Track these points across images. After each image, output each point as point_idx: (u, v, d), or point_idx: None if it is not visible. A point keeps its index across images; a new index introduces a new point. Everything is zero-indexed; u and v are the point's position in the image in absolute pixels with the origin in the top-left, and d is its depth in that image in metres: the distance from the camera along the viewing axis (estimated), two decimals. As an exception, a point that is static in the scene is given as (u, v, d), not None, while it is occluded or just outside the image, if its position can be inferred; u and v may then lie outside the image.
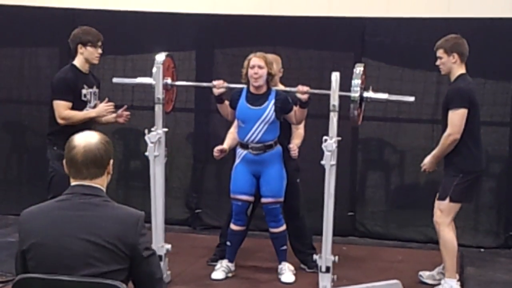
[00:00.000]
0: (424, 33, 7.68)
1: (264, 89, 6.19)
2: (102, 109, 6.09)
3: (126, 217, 3.12)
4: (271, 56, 6.43)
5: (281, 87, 6.43)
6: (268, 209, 6.24)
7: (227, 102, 6.28)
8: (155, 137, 5.98)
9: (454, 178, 5.87)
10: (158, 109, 6.06)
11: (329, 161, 5.72)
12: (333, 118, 5.76)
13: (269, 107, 6.14)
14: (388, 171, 8.01)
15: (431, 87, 7.58)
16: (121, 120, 6.29)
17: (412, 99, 5.95)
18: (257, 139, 6.17)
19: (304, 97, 5.98)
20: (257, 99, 6.18)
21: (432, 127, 7.42)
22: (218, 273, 6.34)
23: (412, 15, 7.68)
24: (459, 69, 5.93)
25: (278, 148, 6.25)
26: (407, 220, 7.69)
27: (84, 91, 6.01)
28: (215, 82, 6.22)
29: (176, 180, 8.14)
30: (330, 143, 5.71)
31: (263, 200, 6.26)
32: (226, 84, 6.22)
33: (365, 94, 5.87)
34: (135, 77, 8.17)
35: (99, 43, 6.06)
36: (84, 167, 3.14)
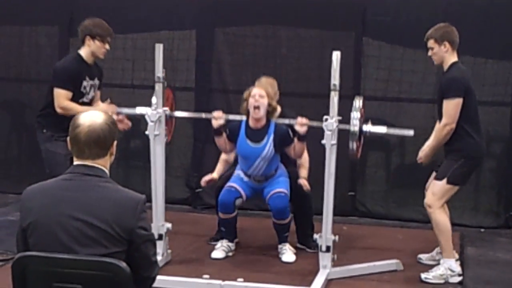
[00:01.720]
0: (425, 12, 7.65)
1: (263, 122, 6.18)
2: (104, 109, 5.98)
3: (125, 200, 3.10)
4: (266, 80, 6.41)
5: (278, 109, 6.38)
6: (274, 198, 6.20)
7: (225, 135, 6.27)
8: (155, 116, 5.97)
9: (455, 162, 5.86)
10: (158, 88, 6.02)
11: (329, 140, 5.70)
12: (334, 97, 5.73)
13: (268, 143, 6.18)
14: (388, 151, 8.00)
15: (432, 66, 7.50)
16: (120, 125, 6.04)
17: (411, 133, 5.92)
18: (259, 173, 6.27)
19: (303, 129, 5.96)
20: (256, 134, 6.20)
21: (433, 106, 7.36)
22: (218, 252, 6.35)
23: (413, -6, 7.66)
24: (452, 58, 5.91)
25: (281, 169, 6.36)
26: (407, 200, 7.69)
27: (84, 83, 5.94)
28: (214, 113, 6.17)
29: (176, 160, 8.13)
30: (331, 123, 5.69)
31: (268, 194, 6.25)
32: (225, 116, 6.17)
33: (364, 128, 5.83)
34: (135, 55, 8.19)
35: (108, 39, 5.97)
36: (86, 147, 3.11)
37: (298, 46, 7.92)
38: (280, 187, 6.25)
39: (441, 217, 5.92)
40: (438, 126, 5.97)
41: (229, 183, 6.32)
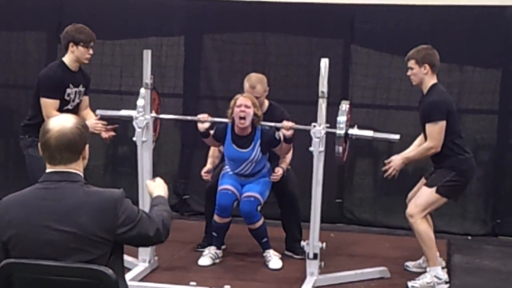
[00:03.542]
0: (413, 20, 7.69)
1: (249, 130, 6.20)
2: (92, 125, 5.90)
3: (103, 202, 3.07)
4: (256, 76, 6.45)
5: (266, 103, 6.48)
6: (243, 202, 6.23)
7: (211, 134, 6.29)
8: (142, 123, 5.96)
9: (448, 174, 5.87)
10: (146, 94, 6.01)
11: (317, 147, 5.71)
12: (322, 104, 5.74)
13: (255, 148, 6.21)
14: (376, 158, 8.00)
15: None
16: (105, 134, 6.07)
17: (397, 137, 5.92)
18: (247, 173, 6.30)
19: (289, 133, 6.00)
20: (243, 141, 6.22)
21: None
22: (205, 259, 6.33)
23: (401, 2, 7.67)
24: (431, 80, 5.92)
25: (267, 167, 6.38)
26: (395, 207, 7.68)
27: (68, 90, 5.91)
28: (200, 116, 6.20)
29: (163, 166, 8.11)
30: (319, 130, 5.70)
31: (242, 195, 6.28)
32: (210, 118, 6.19)
33: (350, 131, 5.81)
34: (123, 61, 8.18)
35: (91, 44, 5.94)
36: (57, 152, 3.08)
37: (287, 53, 7.93)
38: (253, 191, 6.25)
39: (422, 227, 5.91)
40: (423, 142, 5.99)
41: (224, 185, 6.30)
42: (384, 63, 7.73)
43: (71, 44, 5.90)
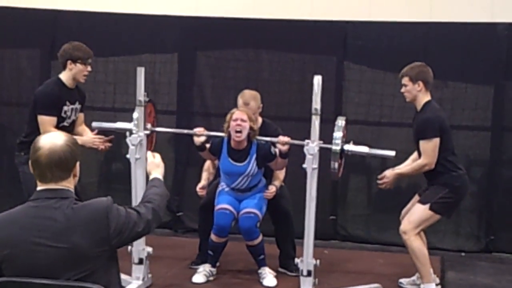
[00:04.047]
0: (406, 37, 7.71)
1: (244, 144, 6.21)
2: (90, 140, 5.95)
3: (93, 214, 3.07)
4: (250, 93, 6.47)
5: (259, 120, 6.51)
6: (242, 218, 6.23)
7: (207, 148, 6.31)
8: (136, 140, 5.96)
9: (441, 191, 5.87)
10: (140, 111, 6.02)
11: (311, 164, 5.71)
12: (315, 121, 5.75)
13: (251, 162, 6.22)
14: (370, 174, 8.00)
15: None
16: (102, 146, 6.12)
17: (392, 153, 5.93)
18: (243, 187, 6.29)
19: (285, 148, 6.01)
20: (238, 155, 6.23)
21: (414, 131, 7.41)
22: (199, 277, 6.32)
23: (394, 19, 7.70)
24: (425, 97, 5.93)
25: (262, 182, 6.38)
26: (388, 224, 7.68)
27: (65, 108, 5.91)
28: (196, 129, 6.23)
29: (157, 183, 8.08)
30: (312, 147, 5.71)
31: (240, 212, 6.26)
32: (206, 132, 6.21)
33: (346, 147, 5.82)
34: (117, 78, 8.17)
35: (89, 60, 5.96)
36: (48, 170, 3.08)
37: (280, 70, 7.95)
38: (252, 207, 6.25)
39: (416, 244, 5.91)
40: (417, 159, 5.98)
41: (221, 205, 6.29)
42: (377, 79, 7.75)
43: (69, 62, 5.91)
